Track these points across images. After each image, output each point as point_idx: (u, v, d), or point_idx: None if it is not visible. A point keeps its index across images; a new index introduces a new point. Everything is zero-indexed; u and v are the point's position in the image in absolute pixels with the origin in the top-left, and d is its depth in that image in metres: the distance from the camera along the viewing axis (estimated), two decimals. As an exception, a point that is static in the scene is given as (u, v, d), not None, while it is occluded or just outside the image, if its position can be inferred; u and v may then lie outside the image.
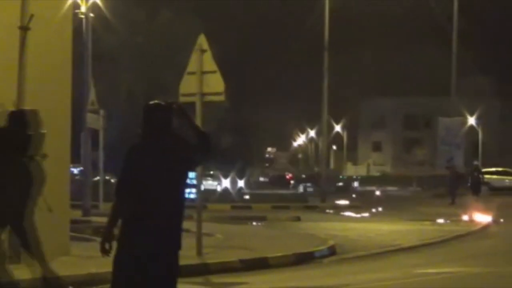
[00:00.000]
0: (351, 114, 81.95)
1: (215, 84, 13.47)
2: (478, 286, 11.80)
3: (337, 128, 79.29)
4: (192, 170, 7.03)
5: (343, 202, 35.17)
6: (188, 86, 13.63)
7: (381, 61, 75.98)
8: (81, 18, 24.83)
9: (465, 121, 56.54)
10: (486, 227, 22.71)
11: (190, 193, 15.51)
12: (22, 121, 8.37)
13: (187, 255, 11.53)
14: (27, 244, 8.40)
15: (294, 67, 68.21)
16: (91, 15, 26.04)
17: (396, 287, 11.42)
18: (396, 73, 76.86)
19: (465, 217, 24.10)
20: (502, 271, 13.09)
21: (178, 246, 6.03)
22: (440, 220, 24.64)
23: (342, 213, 29.30)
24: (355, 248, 16.22)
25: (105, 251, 5.94)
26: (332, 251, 15.21)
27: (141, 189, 5.92)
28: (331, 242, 15.90)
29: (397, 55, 72.72)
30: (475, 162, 37.07)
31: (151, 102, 6.15)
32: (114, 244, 5.97)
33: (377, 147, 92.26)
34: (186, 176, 6.21)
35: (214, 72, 13.48)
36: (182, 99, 13.28)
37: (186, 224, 12.01)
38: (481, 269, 13.60)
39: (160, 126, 6.05)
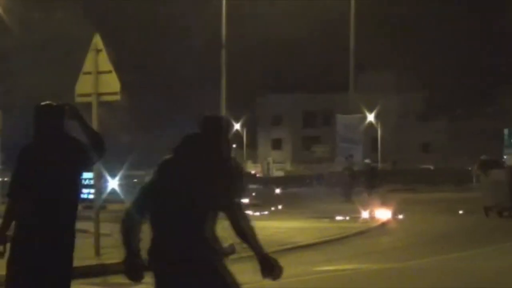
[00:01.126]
0: (250, 112, 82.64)
1: (111, 84, 13.51)
2: (377, 282, 12.27)
3: (237, 126, 79.65)
4: (86, 170, 7.02)
5: (242, 200, 35.29)
6: (83, 86, 13.64)
7: (279, 57, 76.94)
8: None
9: (364, 118, 57.47)
10: (385, 223, 23.38)
11: (89, 194, 15.43)
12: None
13: (85, 256, 11.62)
14: None
15: (192, 65, 68.20)
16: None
17: (294, 285, 11.37)
18: (294, 69, 77.89)
19: (364, 214, 24.55)
20: (400, 267, 13.58)
21: (71, 245, 6.07)
22: (339, 217, 24.86)
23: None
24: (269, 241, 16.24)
25: None
26: (232, 250, 15.20)
27: (34, 190, 5.93)
28: (230, 241, 15.84)
29: (296, 50, 73.85)
30: (367, 161, 37.72)
31: (42, 103, 6.16)
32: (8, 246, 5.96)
33: (277, 145, 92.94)
34: (79, 176, 6.25)
35: (109, 72, 13.52)
36: (78, 100, 13.31)
37: (84, 225, 12.30)
38: (380, 265, 14.07)
39: (51, 127, 6.06)
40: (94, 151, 6.22)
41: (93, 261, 12.85)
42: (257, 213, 27.17)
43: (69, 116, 6.16)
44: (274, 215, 27.42)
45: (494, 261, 14.38)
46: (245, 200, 34.95)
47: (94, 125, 12.18)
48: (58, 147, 6.04)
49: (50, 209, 5.93)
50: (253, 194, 41.81)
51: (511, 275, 12.84)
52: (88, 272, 11.56)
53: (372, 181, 33.54)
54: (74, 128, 6.27)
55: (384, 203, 26.87)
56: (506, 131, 60.51)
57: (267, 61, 76.16)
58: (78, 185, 6.23)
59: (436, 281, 12.40)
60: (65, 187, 6.05)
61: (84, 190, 13.90)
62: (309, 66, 77.69)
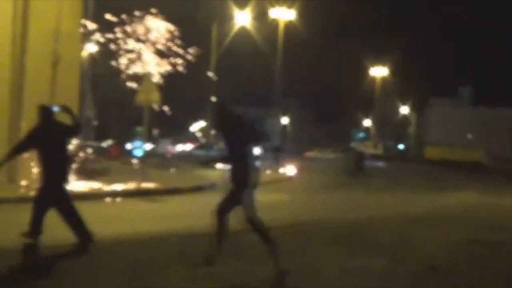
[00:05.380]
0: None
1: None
2: (290, 205, 21.14)
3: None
4: (69, 138, 11.62)
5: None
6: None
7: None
8: None
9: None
10: (293, 176, 35.71)
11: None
12: None
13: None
14: None
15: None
16: None
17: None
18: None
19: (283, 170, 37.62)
20: (302, 198, 20.08)
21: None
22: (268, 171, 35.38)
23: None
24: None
25: None
26: (213, 184, 24.13)
27: (48, 146, 10.39)
28: (211, 179, 25.00)
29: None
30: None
31: (46, 106, 10.97)
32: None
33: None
34: (66, 140, 10.92)
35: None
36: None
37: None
38: (292, 196, 25.97)
39: (51, 117, 10.66)
40: (74, 130, 11.02)
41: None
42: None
43: (62, 110, 10.84)
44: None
45: (354, 197, 23.74)
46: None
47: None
48: (55, 126, 10.66)
49: (59, 155, 10.51)
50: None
51: (367, 205, 20.96)
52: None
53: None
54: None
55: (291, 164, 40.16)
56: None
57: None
58: (66, 144, 10.92)
59: (323, 207, 19.72)
60: (60, 146, 10.65)
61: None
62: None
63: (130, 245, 11.14)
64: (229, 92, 75.06)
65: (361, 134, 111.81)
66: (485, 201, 24.22)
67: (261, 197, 18.33)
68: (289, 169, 39.26)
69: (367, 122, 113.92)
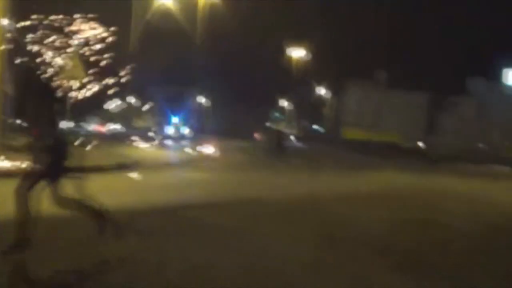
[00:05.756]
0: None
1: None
2: (211, 184, 18.74)
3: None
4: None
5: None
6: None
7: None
8: None
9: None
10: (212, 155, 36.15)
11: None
12: None
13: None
14: None
15: None
16: None
17: (175, 182, 20.24)
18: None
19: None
20: (220, 177, 20.00)
21: None
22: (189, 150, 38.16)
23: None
24: (148, 162, 26.47)
25: None
26: (136, 163, 24.77)
27: None
28: (135, 157, 26.66)
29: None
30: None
31: None
32: None
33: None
34: None
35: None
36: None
37: None
38: (211, 174, 26.96)
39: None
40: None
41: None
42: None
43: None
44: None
45: (264, 178, 23.28)
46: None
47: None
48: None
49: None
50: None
51: (276, 185, 21.08)
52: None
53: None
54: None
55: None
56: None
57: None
58: None
59: (238, 186, 19.68)
60: None
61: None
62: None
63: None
64: (151, 70, 74.58)
65: (277, 114, 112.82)
66: (410, 181, 24.93)
67: (181, 175, 18.72)
68: (208, 148, 40.92)
69: (283, 102, 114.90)
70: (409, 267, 9.04)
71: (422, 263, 9.39)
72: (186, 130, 67.96)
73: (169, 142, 52.14)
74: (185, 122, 65.36)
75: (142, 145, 43.48)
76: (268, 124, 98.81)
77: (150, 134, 60.52)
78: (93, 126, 79.01)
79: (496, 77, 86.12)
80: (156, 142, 48.19)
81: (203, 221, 11.92)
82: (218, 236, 10.45)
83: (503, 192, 22.15)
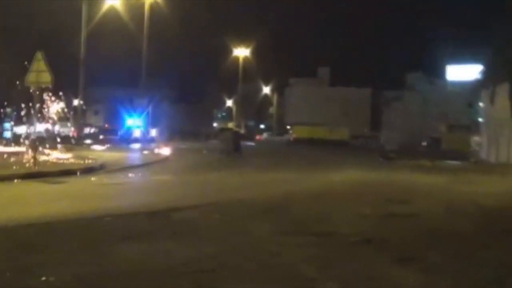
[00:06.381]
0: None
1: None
2: (175, 186, 20.56)
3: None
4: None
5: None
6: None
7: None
8: None
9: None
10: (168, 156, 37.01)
11: None
12: None
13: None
14: None
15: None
16: None
17: (138, 185, 21.24)
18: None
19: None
20: (181, 179, 20.98)
21: None
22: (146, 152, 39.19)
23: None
24: (112, 164, 26.82)
25: None
26: (102, 165, 25.62)
27: None
28: (100, 160, 27.31)
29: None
30: None
31: None
32: None
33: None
34: None
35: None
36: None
37: None
38: (174, 177, 24.14)
39: None
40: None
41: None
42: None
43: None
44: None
45: (231, 179, 23.45)
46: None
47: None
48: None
49: None
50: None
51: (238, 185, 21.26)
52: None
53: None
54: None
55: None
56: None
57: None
58: None
59: (202, 186, 20.05)
60: None
61: None
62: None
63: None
64: (99, 72, 74.05)
65: (223, 114, 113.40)
66: (371, 177, 25.44)
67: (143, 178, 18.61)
68: (164, 150, 41.21)
69: (229, 103, 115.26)
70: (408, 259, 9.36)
71: (419, 255, 9.73)
72: (153, 132, 67.56)
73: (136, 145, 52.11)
74: (149, 124, 64.72)
75: (96, 147, 43.55)
76: (215, 124, 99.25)
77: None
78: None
79: (439, 73, 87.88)
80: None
81: (196, 222, 12.17)
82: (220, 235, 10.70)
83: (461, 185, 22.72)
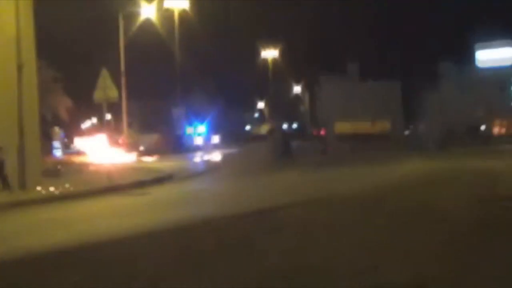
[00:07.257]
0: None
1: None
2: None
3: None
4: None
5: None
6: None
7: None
8: None
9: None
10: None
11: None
12: None
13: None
14: None
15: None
16: None
17: (220, 190, 21.04)
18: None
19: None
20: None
21: None
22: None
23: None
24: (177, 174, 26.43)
25: None
26: (170, 176, 25.54)
27: None
28: (168, 171, 27.44)
29: None
30: None
31: None
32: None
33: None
34: None
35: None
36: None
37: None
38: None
39: None
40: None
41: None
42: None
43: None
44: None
45: (307, 176, 24.94)
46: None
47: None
48: None
49: None
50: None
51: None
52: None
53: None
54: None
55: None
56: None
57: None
58: None
59: (285, 186, 21.55)
60: None
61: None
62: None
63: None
64: (136, 85, 74.68)
65: (256, 115, 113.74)
66: (439, 166, 25.52)
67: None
68: (215, 155, 41.76)
69: (261, 105, 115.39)
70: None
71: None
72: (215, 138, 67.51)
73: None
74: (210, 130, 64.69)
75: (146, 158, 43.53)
76: (248, 127, 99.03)
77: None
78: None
79: (468, 59, 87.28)
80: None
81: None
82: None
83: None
